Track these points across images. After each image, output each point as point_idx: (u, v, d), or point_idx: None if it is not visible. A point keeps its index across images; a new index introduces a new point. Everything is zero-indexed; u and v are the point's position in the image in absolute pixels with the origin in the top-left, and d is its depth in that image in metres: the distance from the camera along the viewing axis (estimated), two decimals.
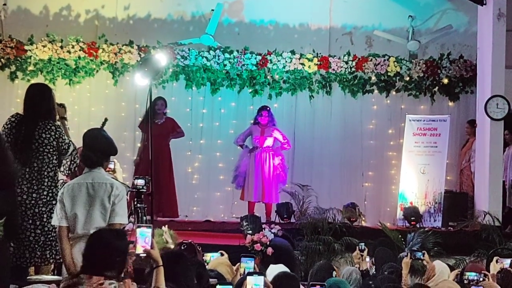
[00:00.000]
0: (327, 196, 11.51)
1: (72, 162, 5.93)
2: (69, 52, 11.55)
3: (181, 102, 11.97)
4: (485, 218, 10.10)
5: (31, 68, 11.63)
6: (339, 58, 11.83)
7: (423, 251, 6.67)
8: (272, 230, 8.88)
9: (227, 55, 11.72)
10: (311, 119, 12.09)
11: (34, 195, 5.72)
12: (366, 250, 7.01)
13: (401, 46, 12.12)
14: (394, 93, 12.04)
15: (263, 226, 9.24)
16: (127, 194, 5.31)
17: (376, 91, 12.01)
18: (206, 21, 12.08)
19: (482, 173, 10.68)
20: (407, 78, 11.86)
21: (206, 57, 11.74)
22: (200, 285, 4.34)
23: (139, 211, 7.56)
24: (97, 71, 11.81)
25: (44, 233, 5.70)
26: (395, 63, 11.80)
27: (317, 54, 11.88)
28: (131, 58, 11.63)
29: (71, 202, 4.87)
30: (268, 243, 8.54)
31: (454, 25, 12.20)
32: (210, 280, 4.65)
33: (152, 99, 9.08)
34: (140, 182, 7.48)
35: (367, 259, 7.07)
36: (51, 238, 5.68)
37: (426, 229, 9.96)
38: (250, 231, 9.12)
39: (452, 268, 6.42)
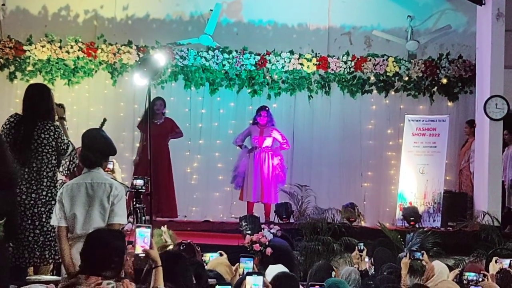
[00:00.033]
0: (326, 196, 11.51)
1: (71, 163, 5.93)
2: (68, 52, 11.55)
3: (180, 102, 11.97)
4: (484, 218, 10.10)
5: (30, 68, 11.63)
6: (338, 58, 11.84)
7: (422, 251, 6.66)
8: (271, 230, 8.87)
9: (226, 55, 11.71)
10: (310, 119, 12.09)
11: (33, 195, 5.72)
12: (365, 250, 7.00)
13: (400, 46, 12.12)
14: (393, 93, 12.04)
15: (262, 226, 9.22)
16: (126, 194, 5.30)
17: (375, 91, 12.01)
18: (204, 21, 12.08)
19: (481, 173, 10.68)
20: (406, 78, 11.87)
21: (205, 57, 11.74)
22: (199, 285, 4.33)
23: (138, 211, 7.55)
24: (96, 71, 11.82)
25: (43, 233, 5.69)
26: (394, 63, 11.80)
27: (316, 54, 11.88)
28: (130, 58, 11.63)
29: (70, 202, 4.87)
30: (267, 243, 8.53)
31: (453, 25, 12.20)
32: (209, 280, 4.65)
33: (151, 99, 9.08)
34: (139, 182, 7.47)
35: (366, 259, 7.05)
36: (50, 238, 5.68)
37: (425, 229, 9.96)
38: (249, 231, 9.12)
39: (451, 268, 6.42)
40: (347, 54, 11.87)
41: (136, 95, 11.69)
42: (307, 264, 8.91)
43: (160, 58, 8.93)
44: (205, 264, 5.44)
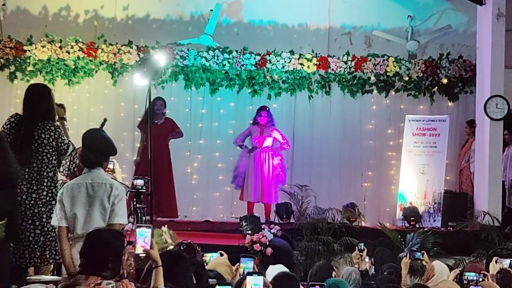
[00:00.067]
0: (326, 196, 11.52)
1: (72, 163, 5.93)
2: (68, 52, 11.55)
3: (180, 102, 11.97)
4: (485, 218, 10.10)
5: (30, 68, 11.63)
6: (338, 58, 11.84)
7: (422, 251, 6.66)
8: (272, 230, 8.89)
9: (226, 55, 11.72)
10: (310, 119, 12.09)
11: (33, 195, 5.72)
12: (366, 250, 7.01)
13: (400, 46, 12.12)
14: (393, 93, 12.04)
15: (263, 226, 9.23)
16: (126, 194, 5.29)
17: (375, 91, 12.01)
18: (205, 21, 12.08)
19: (481, 173, 10.68)
20: (406, 78, 11.87)
21: (205, 57, 11.74)
22: (199, 285, 4.34)
23: (139, 211, 7.55)
24: (96, 71, 11.82)
25: (44, 233, 5.69)
26: (394, 63, 11.80)
27: (316, 54, 11.88)
28: (130, 58, 11.63)
29: (71, 202, 4.87)
30: (267, 243, 8.55)
31: (454, 25, 12.20)
32: (210, 280, 4.65)
33: (151, 99, 9.09)
34: (140, 182, 7.47)
35: (367, 259, 7.06)
36: (50, 239, 5.68)
37: (426, 229, 9.97)
38: (249, 231, 9.12)
39: (451, 268, 6.41)
40: (348, 54, 11.86)
41: (136, 95, 11.69)
42: (308, 264, 8.91)
43: (160, 58, 8.94)
44: (205, 264, 5.45)
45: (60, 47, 11.54)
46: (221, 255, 6.10)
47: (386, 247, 8.25)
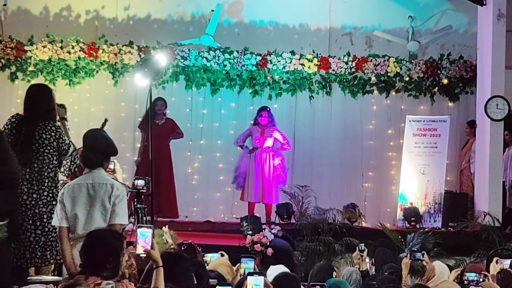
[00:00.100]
0: (327, 197, 11.51)
1: (72, 163, 5.93)
2: (69, 52, 11.55)
3: (181, 103, 11.96)
4: (485, 218, 10.10)
5: (31, 68, 11.63)
6: (339, 59, 11.84)
7: (423, 252, 6.67)
8: (272, 231, 8.90)
9: (227, 56, 11.72)
10: (311, 120, 12.09)
11: (34, 195, 5.72)
12: (366, 250, 7.01)
13: (401, 47, 12.12)
14: (394, 93, 12.04)
15: (263, 226, 9.25)
16: (127, 195, 5.30)
17: (376, 92, 12.01)
18: (206, 21, 12.07)
19: (482, 173, 10.68)
20: (407, 79, 11.87)
21: (206, 58, 11.74)
22: (200, 285, 4.34)
23: (139, 211, 7.58)
24: (97, 71, 11.81)
25: (45, 233, 5.69)
26: (395, 63, 11.80)
27: (317, 54, 11.89)
28: (131, 59, 11.63)
29: (72, 202, 4.87)
30: (268, 243, 8.55)
31: (454, 25, 12.20)
32: (210, 280, 4.66)
33: (152, 100, 9.11)
34: (140, 182, 7.49)
35: (367, 259, 7.06)
36: (51, 239, 5.68)
37: (426, 229, 9.97)
38: (250, 232, 9.13)
39: (452, 269, 6.41)
40: (348, 54, 11.87)
41: (137, 95, 11.69)
42: (308, 264, 8.91)
43: (161, 58, 8.97)
44: (206, 265, 5.46)
45: (61, 47, 11.55)
46: (222, 255, 6.10)
47: (387, 248, 8.26)
